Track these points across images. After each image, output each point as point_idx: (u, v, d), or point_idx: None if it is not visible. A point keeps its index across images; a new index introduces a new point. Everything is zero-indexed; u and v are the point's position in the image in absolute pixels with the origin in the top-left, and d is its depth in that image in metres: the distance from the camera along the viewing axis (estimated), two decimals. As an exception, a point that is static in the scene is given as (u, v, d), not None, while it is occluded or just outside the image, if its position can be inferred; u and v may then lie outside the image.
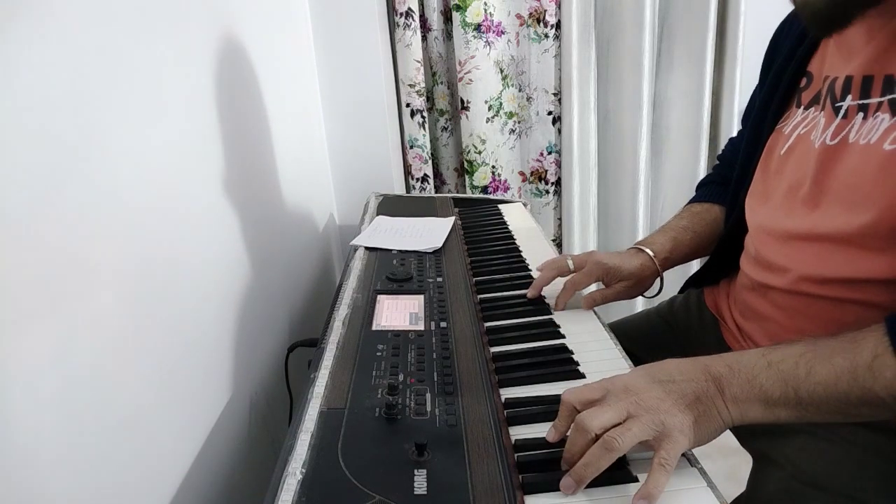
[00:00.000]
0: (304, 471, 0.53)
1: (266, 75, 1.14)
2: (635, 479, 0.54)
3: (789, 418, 0.58)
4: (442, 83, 1.73)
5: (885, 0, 0.59)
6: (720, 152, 1.03)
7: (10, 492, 0.48)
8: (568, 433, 0.58)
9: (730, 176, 0.88)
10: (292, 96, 1.39)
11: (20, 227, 0.51)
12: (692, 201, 1.00)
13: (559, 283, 0.90)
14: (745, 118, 0.92)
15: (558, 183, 1.81)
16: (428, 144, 1.74)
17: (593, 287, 0.92)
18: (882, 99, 0.61)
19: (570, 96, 1.67)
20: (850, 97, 0.64)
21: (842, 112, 0.65)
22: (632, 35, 1.63)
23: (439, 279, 0.94)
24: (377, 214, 1.27)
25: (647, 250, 0.91)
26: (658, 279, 0.92)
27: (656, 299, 1.00)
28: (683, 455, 0.57)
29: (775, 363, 0.58)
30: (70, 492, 0.56)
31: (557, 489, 0.54)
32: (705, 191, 1.00)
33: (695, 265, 0.98)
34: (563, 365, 0.74)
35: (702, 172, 1.73)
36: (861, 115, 0.63)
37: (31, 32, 0.53)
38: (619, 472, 0.55)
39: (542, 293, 0.91)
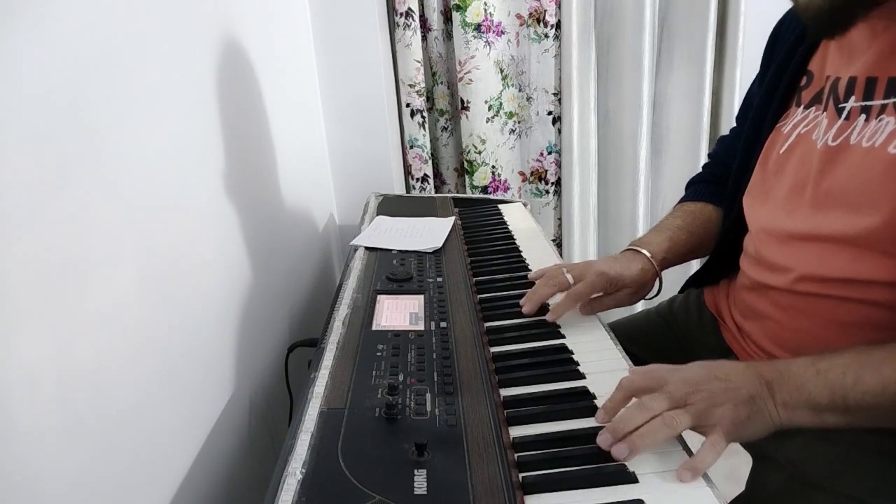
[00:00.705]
0: (304, 471, 0.53)
1: (266, 75, 1.14)
2: (635, 480, 0.54)
3: (838, 424, 0.60)
4: (442, 83, 1.73)
5: (888, 1, 0.59)
6: (711, 150, 1.02)
7: (11, 491, 0.48)
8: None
9: (721, 175, 0.87)
10: (292, 96, 1.39)
11: (20, 227, 0.51)
12: (683, 200, 0.98)
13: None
14: (742, 116, 0.91)
15: (558, 183, 1.81)
16: (428, 144, 1.74)
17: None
18: (886, 101, 0.61)
19: (570, 96, 1.67)
20: (853, 98, 0.64)
21: (845, 113, 0.65)
22: (632, 35, 1.63)
23: (439, 279, 0.94)
24: (377, 214, 1.27)
25: (645, 252, 0.88)
26: (657, 280, 0.91)
27: (655, 299, 1.00)
28: (686, 453, 0.58)
29: (823, 371, 0.59)
30: (70, 491, 0.56)
31: (558, 489, 0.54)
32: (697, 189, 0.98)
33: (695, 265, 0.97)
34: (563, 365, 0.74)
35: (702, 172, 1.73)
36: (863, 116, 0.63)
37: (32, 32, 0.53)
38: (619, 473, 0.55)
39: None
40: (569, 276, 0.85)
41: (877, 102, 0.62)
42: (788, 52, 0.77)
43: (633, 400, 0.61)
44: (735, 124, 0.98)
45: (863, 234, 0.61)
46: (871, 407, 0.58)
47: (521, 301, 0.87)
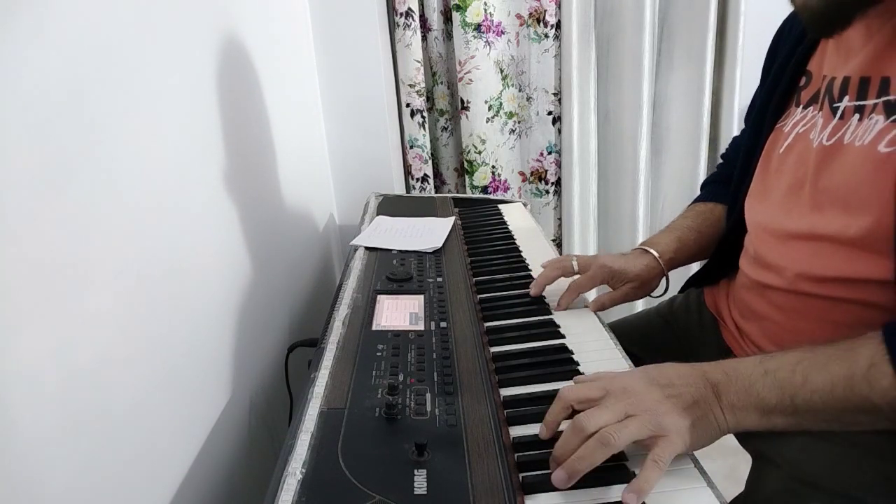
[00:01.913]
0: (304, 471, 0.53)
1: (266, 75, 1.14)
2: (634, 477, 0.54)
3: (786, 426, 0.58)
4: (442, 83, 1.73)
5: (884, 0, 0.59)
6: (723, 151, 1.03)
7: (11, 491, 0.48)
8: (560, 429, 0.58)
9: (732, 175, 0.87)
10: (292, 96, 1.39)
11: (20, 227, 0.51)
12: (696, 201, 1.00)
13: (562, 283, 0.89)
14: (748, 117, 0.92)
15: (558, 183, 1.81)
16: (428, 144, 1.74)
17: (594, 292, 0.92)
18: (878, 101, 0.61)
19: (570, 96, 1.67)
20: (847, 98, 0.65)
21: (839, 113, 0.65)
22: (632, 35, 1.63)
23: (439, 279, 0.94)
24: (377, 214, 1.27)
25: (652, 251, 0.90)
26: (664, 279, 0.92)
27: (658, 299, 1.00)
28: (686, 454, 0.57)
29: (772, 371, 0.58)
30: (70, 491, 0.56)
31: (557, 489, 0.54)
32: (709, 190, 1.00)
33: (695, 265, 0.97)
34: (563, 365, 0.74)
35: (702, 172, 1.73)
36: (857, 116, 0.63)
37: (32, 32, 0.53)
38: (618, 472, 0.55)
39: (544, 293, 0.91)
40: (574, 263, 0.88)
41: (870, 102, 0.62)
42: (789, 53, 0.77)
43: (573, 419, 0.57)
44: (740, 125, 0.98)
45: (857, 234, 0.61)
46: (819, 408, 0.56)
47: (531, 286, 0.90)
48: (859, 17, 0.60)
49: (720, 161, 1.02)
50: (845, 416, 0.57)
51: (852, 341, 0.57)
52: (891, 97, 0.60)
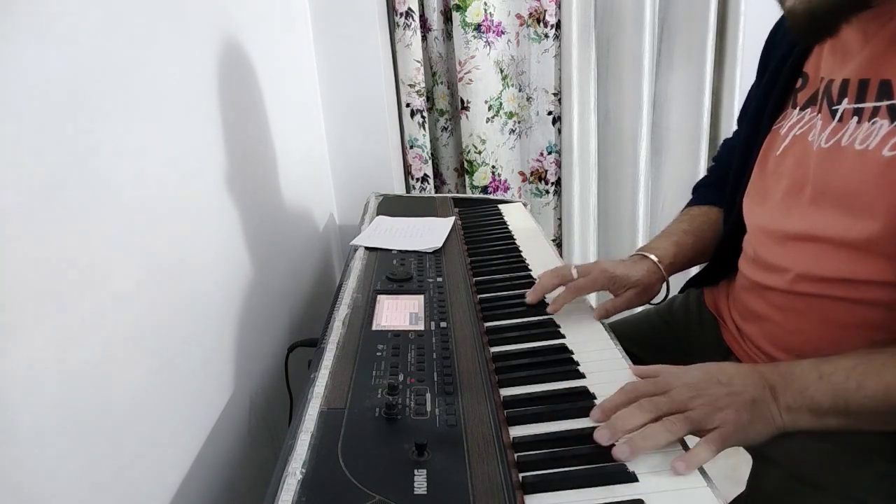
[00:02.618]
0: (304, 471, 0.53)
1: (266, 75, 1.14)
2: (635, 479, 0.54)
3: (839, 426, 0.60)
4: (442, 83, 1.73)
5: (870, 6, 0.59)
6: (716, 154, 1.03)
7: (11, 491, 0.48)
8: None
9: (725, 177, 0.87)
10: (292, 96, 1.39)
11: (20, 227, 0.51)
12: (690, 204, 0.99)
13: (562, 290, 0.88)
14: (742, 118, 0.92)
15: (558, 183, 1.81)
16: (428, 144, 1.74)
17: (593, 298, 0.91)
18: (879, 104, 0.61)
19: (570, 96, 1.67)
20: (846, 101, 0.64)
21: (838, 115, 0.65)
22: (632, 35, 1.63)
23: (439, 279, 0.94)
24: (377, 214, 1.27)
25: (652, 256, 0.89)
26: (664, 285, 0.92)
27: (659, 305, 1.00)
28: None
29: (826, 375, 0.60)
30: (70, 491, 0.56)
31: (558, 489, 0.54)
32: (702, 193, 0.99)
33: (695, 266, 0.97)
34: (562, 365, 0.74)
35: (701, 172, 1.73)
36: (856, 118, 0.63)
37: (32, 33, 0.53)
38: (618, 472, 0.55)
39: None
40: (574, 272, 0.87)
41: (868, 105, 0.62)
42: (784, 54, 0.77)
43: (639, 400, 0.61)
44: (737, 126, 0.98)
45: (861, 237, 0.61)
46: (872, 411, 0.58)
47: (527, 293, 0.89)
48: (845, 25, 0.60)
49: (712, 164, 1.02)
50: None
51: None
52: (895, 101, 0.60)
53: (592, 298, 0.92)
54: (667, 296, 0.93)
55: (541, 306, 0.88)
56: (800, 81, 0.74)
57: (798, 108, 0.73)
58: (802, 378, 0.60)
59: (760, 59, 0.85)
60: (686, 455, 0.56)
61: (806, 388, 0.60)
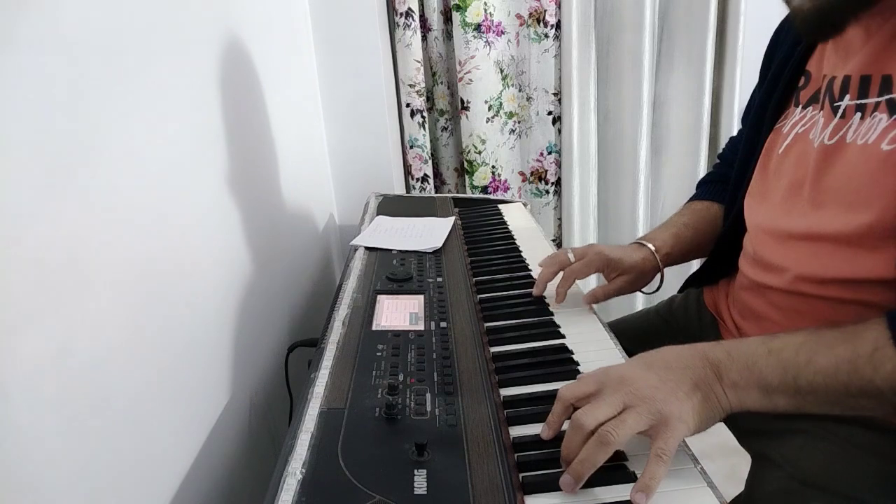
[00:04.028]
0: (304, 471, 0.53)
1: (266, 75, 1.14)
2: (635, 480, 0.54)
3: (788, 407, 0.58)
4: (442, 83, 1.73)
5: (876, 3, 0.59)
6: (721, 151, 1.03)
7: (11, 491, 0.48)
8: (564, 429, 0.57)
9: (730, 174, 0.87)
10: (292, 96, 1.39)
11: (20, 227, 0.51)
12: (693, 199, 1.00)
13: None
14: (745, 117, 0.92)
15: (558, 183, 1.81)
16: (428, 144, 1.74)
17: (592, 282, 0.91)
18: (880, 99, 0.61)
19: (570, 96, 1.67)
20: (848, 97, 0.65)
21: (840, 112, 0.65)
22: (632, 35, 1.63)
23: (439, 279, 0.94)
24: (377, 214, 1.27)
25: (649, 245, 0.91)
26: (658, 274, 0.92)
27: (656, 297, 1.00)
28: (686, 454, 0.57)
29: (776, 350, 0.58)
30: (70, 491, 0.56)
31: (557, 489, 0.54)
32: (706, 189, 1.00)
33: (695, 264, 0.98)
34: (562, 365, 0.74)
35: (702, 172, 1.73)
36: (859, 114, 0.63)
37: (33, 33, 0.53)
38: (618, 472, 0.55)
39: (544, 294, 0.90)
40: (571, 255, 0.88)
41: (871, 100, 0.62)
42: (787, 53, 0.77)
43: (572, 417, 0.57)
44: (740, 125, 0.98)
45: (857, 231, 0.61)
46: (822, 389, 0.56)
47: (534, 287, 0.90)
48: (853, 21, 0.60)
49: (717, 161, 1.02)
50: (848, 399, 0.56)
51: (857, 325, 0.57)
52: (894, 95, 0.60)
53: (587, 283, 0.92)
54: (660, 285, 0.93)
55: (541, 306, 0.88)
56: (802, 80, 0.74)
57: (800, 106, 0.73)
58: (750, 353, 0.58)
59: (763, 60, 0.85)
60: (640, 482, 0.51)
61: (754, 363, 0.57)
